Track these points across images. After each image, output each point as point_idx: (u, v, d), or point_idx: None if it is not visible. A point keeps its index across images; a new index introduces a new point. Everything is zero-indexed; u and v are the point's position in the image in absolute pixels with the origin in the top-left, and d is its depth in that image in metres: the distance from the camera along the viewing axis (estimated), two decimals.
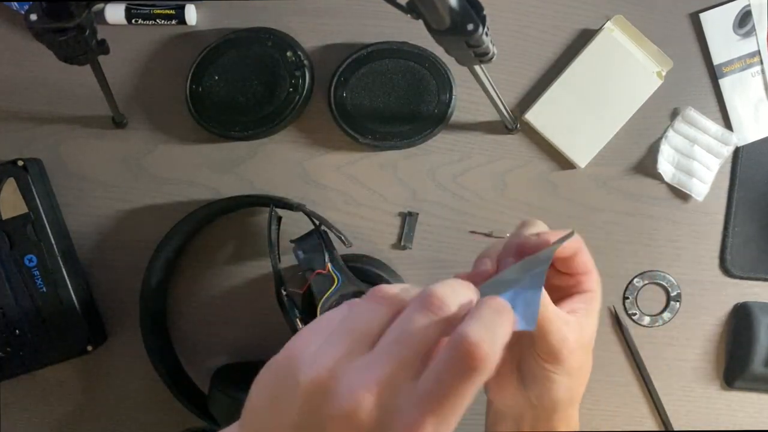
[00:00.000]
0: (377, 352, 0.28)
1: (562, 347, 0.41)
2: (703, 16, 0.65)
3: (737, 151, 0.66)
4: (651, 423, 0.67)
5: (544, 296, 0.39)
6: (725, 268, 0.66)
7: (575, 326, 0.42)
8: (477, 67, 0.53)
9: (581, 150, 0.65)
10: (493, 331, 0.28)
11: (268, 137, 0.66)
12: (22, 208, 0.62)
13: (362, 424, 0.27)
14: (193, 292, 0.67)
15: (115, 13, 0.65)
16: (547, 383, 0.42)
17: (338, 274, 0.57)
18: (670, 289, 0.66)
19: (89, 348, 0.63)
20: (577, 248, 0.41)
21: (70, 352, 0.63)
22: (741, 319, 0.65)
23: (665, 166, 0.65)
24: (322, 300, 0.56)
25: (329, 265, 0.57)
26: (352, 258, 0.62)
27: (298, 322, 0.56)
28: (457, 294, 0.30)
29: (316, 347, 0.29)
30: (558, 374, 0.42)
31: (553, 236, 0.39)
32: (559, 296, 0.44)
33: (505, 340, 0.28)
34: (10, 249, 0.62)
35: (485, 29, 0.44)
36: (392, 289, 0.30)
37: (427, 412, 0.26)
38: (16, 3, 0.64)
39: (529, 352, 0.43)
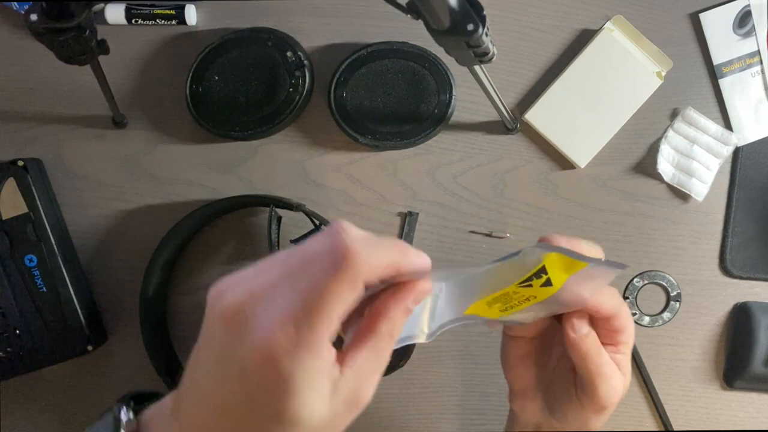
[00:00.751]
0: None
1: (611, 398, 0.40)
2: (703, 16, 0.65)
3: (737, 151, 0.66)
4: (651, 423, 0.67)
5: (595, 341, 0.39)
6: (725, 268, 0.66)
7: (620, 378, 0.41)
8: (477, 67, 0.53)
9: (581, 150, 0.65)
10: (376, 250, 0.30)
11: (268, 137, 0.66)
12: (22, 208, 0.62)
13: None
14: (193, 292, 0.67)
15: (115, 13, 0.65)
16: (581, 424, 0.42)
17: None
18: (669, 289, 0.66)
19: (89, 348, 0.63)
20: (616, 310, 0.39)
21: (70, 352, 0.63)
22: (741, 319, 0.65)
23: (665, 166, 0.65)
24: None
25: None
26: None
27: None
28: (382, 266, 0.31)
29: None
30: (595, 420, 0.42)
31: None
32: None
33: (383, 262, 0.30)
34: (10, 249, 0.62)
35: (485, 29, 0.44)
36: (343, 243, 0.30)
37: (297, 308, 0.28)
38: (16, 3, 0.64)
39: (564, 387, 0.43)
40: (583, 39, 0.66)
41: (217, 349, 0.30)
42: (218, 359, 0.30)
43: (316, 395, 0.29)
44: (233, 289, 0.31)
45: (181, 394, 0.33)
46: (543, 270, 0.35)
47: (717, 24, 0.64)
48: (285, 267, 0.31)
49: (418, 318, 0.38)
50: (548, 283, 0.36)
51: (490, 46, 0.48)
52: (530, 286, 0.36)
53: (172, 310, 0.67)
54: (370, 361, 0.32)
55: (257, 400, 0.29)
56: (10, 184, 0.62)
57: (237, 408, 0.30)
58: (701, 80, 0.66)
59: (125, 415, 0.35)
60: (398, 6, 0.46)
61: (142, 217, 0.67)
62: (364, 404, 0.32)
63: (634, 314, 0.66)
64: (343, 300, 0.29)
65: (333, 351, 0.30)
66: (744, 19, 0.64)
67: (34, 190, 0.62)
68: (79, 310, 0.63)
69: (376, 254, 0.30)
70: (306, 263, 0.30)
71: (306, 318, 0.28)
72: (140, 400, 0.37)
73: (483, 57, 0.48)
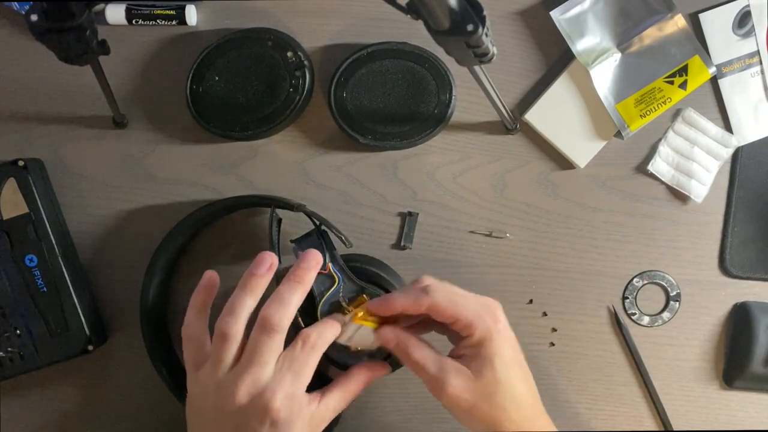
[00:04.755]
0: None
1: (438, 393, 0.50)
2: (702, 16, 0.65)
3: (737, 152, 0.66)
4: (650, 423, 0.67)
5: (409, 340, 0.51)
6: (725, 268, 0.66)
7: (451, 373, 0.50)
8: (477, 68, 0.53)
9: (581, 150, 0.65)
10: (285, 306, 0.50)
11: (268, 137, 0.66)
12: (22, 208, 0.62)
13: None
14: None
15: (115, 14, 0.65)
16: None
17: (339, 274, 0.57)
18: (669, 289, 0.66)
19: (89, 348, 0.63)
20: (425, 303, 0.50)
21: (70, 352, 0.63)
22: (740, 319, 0.65)
23: (660, 166, 0.65)
24: (323, 300, 0.57)
25: (330, 265, 0.57)
26: (352, 258, 0.62)
27: (300, 322, 0.56)
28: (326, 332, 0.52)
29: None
30: (450, 411, 0.51)
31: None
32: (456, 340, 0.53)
33: (292, 310, 0.50)
34: (10, 249, 0.62)
35: (485, 30, 0.44)
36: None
37: (246, 366, 0.48)
38: (16, 3, 0.64)
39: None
40: None
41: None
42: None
43: (300, 424, 0.48)
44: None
45: None
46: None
47: (716, 24, 0.64)
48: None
49: None
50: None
51: (490, 47, 0.48)
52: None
53: (172, 310, 0.67)
54: (338, 403, 0.51)
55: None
56: (11, 184, 0.62)
57: None
58: None
59: None
60: (398, 6, 0.46)
61: (142, 217, 0.67)
62: (324, 427, 0.50)
63: (633, 314, 0.66)
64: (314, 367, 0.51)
65: (311, 396, 0.50)
66: (744, 20, 0.64)
67: (34, 190, 0.62)
68: (79, 310, 0.63)
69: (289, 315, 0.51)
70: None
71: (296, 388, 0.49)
72: None
73: (483, 57, 0.48)
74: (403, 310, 0.50)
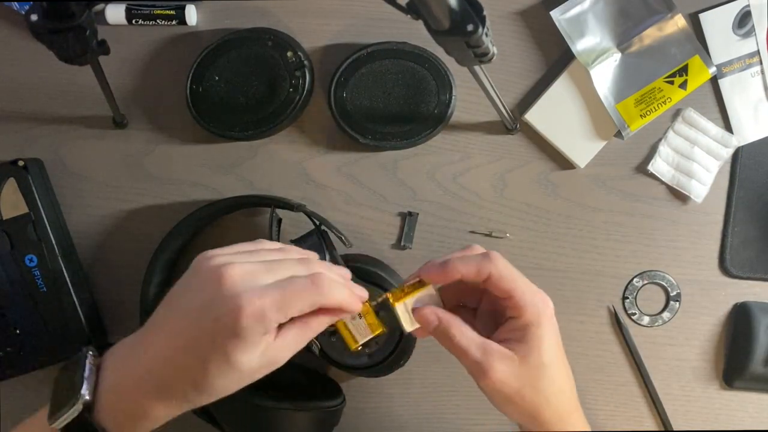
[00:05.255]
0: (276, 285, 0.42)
1: (480, 379, 0.46)
2: (702, 16, 0.65)
3: (737, 151, 0.66)
4: (650, 423, 0.67)
5: (453, 321, 0.47)
6: (725, 268, 0.66)
7: (537, 292, 0.47)
8: (477, 68, 0.53)
9: (581, 150, 0.65)
10: (339, 288, 0.43)
11: (268, 137, 0.66)
12: (22, 208, 0.62)
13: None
14: None
15: (115, 14, 0.65)
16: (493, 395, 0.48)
17: None
18: (669, 289, 0.66)
19: None
20: (487, 271, 0.46)
21: (70, 352, 0.63)
22: (740, 319, 0.65)
23: (660, 166, 0.65)
24: None
25: None
26: (352, 258, 0.62)
27: None
28: (337, 289, 0.43)
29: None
30: (494, 400, 0.48)
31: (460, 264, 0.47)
32: (498, 322, 0.49)
33: (340, 296, 0.43)
34: (10, 249, 0.62)
35: (485, 29, 0.44)
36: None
37: (276, 300, 0.40)
38: (16, 3, 0.64)
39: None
40: None
41: (198, 295, 0.41)
42: (199, 304, 0.41)
43: (255, 350, 0.41)
44: (224, 258, 0.43)
45: (146, 330, 0.43)
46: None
47: (717, 24, 0.64)
48: (270, 264, 0.43)
49: None
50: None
51: (490, 47, 0.48)
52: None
53: None
54: (295, 339, 0.43)
55: (216, 340, 0.40)
56: (11, 184, 0.62)
57: (197, 341, 0.40)
58: None
59: (90, 354, 0.44)
60: (398, 6, 0.46)
61: (142, 217, 0.67)
62: (278, 366, 0.43)
63: (633, 314, 0.66)
64: (302, 311, 0.42)
65: (275, 327, 0.42)
66: (744, 20, 0.64)
67: (34, 190, 0.62)
68: (79, 310, 0.63)
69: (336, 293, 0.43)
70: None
71: (278, 310, 0.40)
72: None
73: (483, 57, 0.48)
74: (463, 276, 0.47)
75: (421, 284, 0.48)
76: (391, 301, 0.48)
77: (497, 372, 0.45)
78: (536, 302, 0.46)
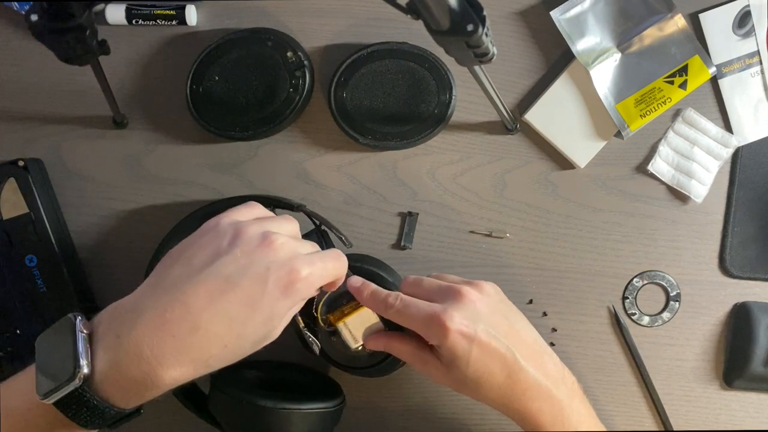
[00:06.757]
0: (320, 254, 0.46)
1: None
2: (702, 16, 0.65)
3: (737, 152, 0.66)
4: (650, 423, 0.67)
5: (392, 337, 0.54)
6: (725, 268, 0.66)
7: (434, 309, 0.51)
8: (477, 68, 0.53)
9: (581, 150, 0.65)
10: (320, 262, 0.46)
11: (268, 137, 0.66)
12: (22, 208, 0.62)
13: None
14: None
15: (115, 14, 0.65)
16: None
17: None
18: (669, 289, 0.66)
19: None
20: (384, 309, 0.52)
21: None
22: (740, 319, 0.65)
23: (660, 166, 0.65)
24: (323, 300, 0.57)
25: None
26: (352, 258, 0.62)
27: (299, 322, 0.56)
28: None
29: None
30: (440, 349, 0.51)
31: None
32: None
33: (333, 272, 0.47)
34: (10, 249, 0.62)
35: (485, 30, 0.44)
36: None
37: (326, 275, 0.46)
38: (16, 3, 0.64)
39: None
40: None
41: (241, 259, 0.42)
42: (247, 266, 0.42)
43: (290, 315, 0.45)
44: (257, 225, 0.46)
45: (159, 292, 0.42)
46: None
47: (717, 24, 0.64)
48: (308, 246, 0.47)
49: None
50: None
51: (490, 47, 0.48)
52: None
53: None
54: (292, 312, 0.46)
55: (265, 300, 0.42)
56: (11, 184, 0.62)
57: (244, 302, 0.41)
58: None
59: (80, 319, 0.41)
60: (398, 6, 0.46)
61: (142, 217, 0.67)
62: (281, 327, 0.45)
63: (633, 314, 0.66)
64: (332, 280, 0.47)
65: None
66: (744, 20, 0.64)
67: (34, 190, 0.63)
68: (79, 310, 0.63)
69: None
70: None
71: (321, 278, 0.45)
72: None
73: (483, 57, 0.48)
74: (365, 305, 0.54)
75: (359, 305, 0.54)
76: (331, 321, 0.55)
77: (433, 378, 0.52)
78: (432, 331, 0.50)
